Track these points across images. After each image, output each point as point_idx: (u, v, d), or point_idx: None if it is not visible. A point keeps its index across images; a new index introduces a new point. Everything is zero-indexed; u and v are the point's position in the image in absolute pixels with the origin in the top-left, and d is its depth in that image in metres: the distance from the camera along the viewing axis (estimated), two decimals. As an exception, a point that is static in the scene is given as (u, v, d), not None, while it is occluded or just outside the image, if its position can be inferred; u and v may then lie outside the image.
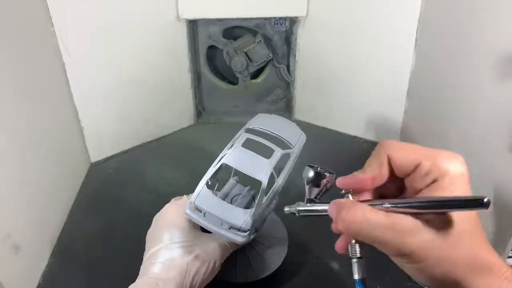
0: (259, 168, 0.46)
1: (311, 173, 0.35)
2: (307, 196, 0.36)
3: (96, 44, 0.79)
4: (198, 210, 0.47)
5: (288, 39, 1.01)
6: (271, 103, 1.10)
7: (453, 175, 0.28)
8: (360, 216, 0.28)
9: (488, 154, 0.57)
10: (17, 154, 0.58)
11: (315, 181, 0.35)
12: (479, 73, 0.59)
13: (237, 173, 0.50)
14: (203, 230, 0.50)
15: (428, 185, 0.28)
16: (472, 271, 0.27)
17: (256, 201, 0.46)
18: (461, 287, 0.28)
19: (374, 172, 0.30)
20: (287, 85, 1.07)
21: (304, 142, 0.54)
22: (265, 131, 0.52)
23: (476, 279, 0.27)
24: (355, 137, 0.97)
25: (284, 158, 0.49)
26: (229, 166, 0.48)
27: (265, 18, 0.97)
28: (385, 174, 0.30)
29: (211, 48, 1.02)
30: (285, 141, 0.52)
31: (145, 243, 0.65)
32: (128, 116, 0.90)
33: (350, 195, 0.32)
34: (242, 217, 0.45)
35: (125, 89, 0.87)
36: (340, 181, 0.32)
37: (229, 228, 0.46)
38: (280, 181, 0.48)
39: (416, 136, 0.83)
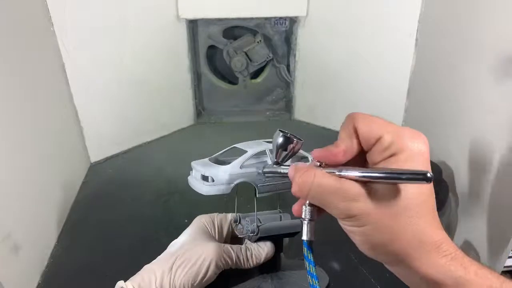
0: (255, 146, 0.49)
1: (280, 137, 0.37)
2: (274, 158, 0.38)
3: (96, 44, 0.79)
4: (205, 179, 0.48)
5: (288, 39, 1.01)
6: (271, 103, 1.10)
7: (411, 152, 0.28)
8: (311, 179, 0.30)
9: (488, 153, 0.57)
10: (17, 154, 0.58)
11: (284, 145, 0.37)
12: (479, 73, 0.59)
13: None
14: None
15: (385, 159, 0.29)
16: (415, 246, 0.28)
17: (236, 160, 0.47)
18: (402, 260, 0.29)
19: (346, 145, 0.31)
20: (287, 85, 1.07)
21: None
22: None
23: (418, 254, 0.28)
24: (355, 137, 0.97)
25: None
26: None
27: (265, 18, 0.97)
28: (355, 146, 0.31)
29: (211, 48, 1.02)
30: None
31: (145, 242, 0.65)
32: (128, 116, 0.90)
33: (320, 164, 0.33)
34: (213, 170, 0.47)
35: (125, 89, 0.87)
36: (315, 154, 0.33)
37: (202, 179, 0.47)
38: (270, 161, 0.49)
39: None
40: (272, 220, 0.51)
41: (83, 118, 0.82)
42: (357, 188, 0.29)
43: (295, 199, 0.42)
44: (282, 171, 0.37)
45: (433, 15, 0.74)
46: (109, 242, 0.66)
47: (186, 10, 0.88)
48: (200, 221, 0.52)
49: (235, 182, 0.47)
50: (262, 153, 0.49)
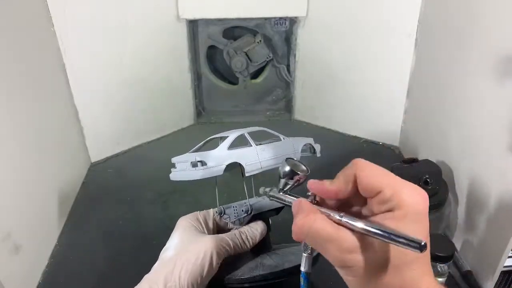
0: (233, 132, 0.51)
1: (286, 168, 0.38)
2: (279, 186, 0.39)
3: (96, 44, 0.79)
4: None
5: (288, 39, 1.01)
6: (271, 103, 1.10)
7: (408, 210, 0.29)
8: (310, 223, 0.30)
9: (488, 153, 0.57)
10: (17, 154, 0.58)
11: (289, 176, 0.38)
12: (479, 73, 0.59)
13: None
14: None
15: (383, 212, 0.30)
16: None
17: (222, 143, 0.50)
18: None
19: (340, 187, 0.32)
20: (287, 85, 1.07)
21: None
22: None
23: None
24: (355, 137, 0.97)
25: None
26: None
27: (265, 18, 0.97)
28: (349, 191, 0.32)
29: (211, 48, 1.02)
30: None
31: (145, 242, 0.65)
32: (128, 116, 0.90)
33: (314, 196, 0.34)
34: (204, 155, 0.48)
35: (125, 89, 0.87)
36: (310, 185, 0.34)
37: (192, 167, 0.48)
38: (258, 148, 0.51)
39: (416, 136, 0.83)
40: (256, 201, 0.53)
41: (83, 118, 0.82)
42: (353, 240, 0.29)
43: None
44: (287, 200, 0.38)
45: (433, 15, 0.74)
46: (109, 242, 0.66)
47: (186, 10, 0.88)
48: (185, 221, 0.52)
49: (226, 163, 0.48)
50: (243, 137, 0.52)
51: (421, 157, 0.75)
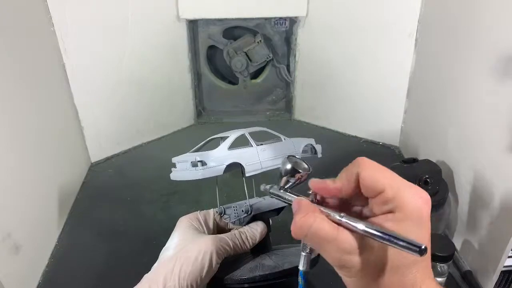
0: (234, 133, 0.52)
1: (288, 166, 0.37)
2: (280, 184, 0.38)
3: (96, 44, 0.79)
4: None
5: (288, 39, 1.01)
6: (271, 103, 1.10)
7: (409, 212, 0.28)
8: (310, 223, 0.30)
9: (488, 153, 0.57)
10: (17, 154, 0.58)
11: (290, 173, 0.37)
12: (479, 73, 0.59)
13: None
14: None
15: (384, 213, 0.29)
16: None
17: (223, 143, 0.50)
18: None
19: (343, 185, 0.31)
20: (287, 85, 1.07)
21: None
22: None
23: None
24: (355, 137, 0.97)
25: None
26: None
27: (265, 18, 0.97)
28: (352, 189, 0.31)
29: (211, 48, 1.02)
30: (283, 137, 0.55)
31: (145, 242, 0.65)
32: (128, 116, 0.90)
33: (315, 195, 0.33)
34: (204, 155, 0.49)
35: (125, 89, 0.87)
36: (312, 184, 0.33)
37: (192, 166, 0.49)
38: (258, 148, 0.51)
39: (416, 136, 0.83)
40: (257, 201, 0.53)
41: (83, 118, 0.82)
42: (352, 242, 0.29)
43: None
44: (287, 198, 0.37)
45: (433, 15, 0.74)
46: (109, 242, 0.66)
47: (186, 10, 0.88)
48: (185, 221, 0.52)
49: (226, 163, 0.48)
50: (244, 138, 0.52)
51: (421, 157, 0.75)
